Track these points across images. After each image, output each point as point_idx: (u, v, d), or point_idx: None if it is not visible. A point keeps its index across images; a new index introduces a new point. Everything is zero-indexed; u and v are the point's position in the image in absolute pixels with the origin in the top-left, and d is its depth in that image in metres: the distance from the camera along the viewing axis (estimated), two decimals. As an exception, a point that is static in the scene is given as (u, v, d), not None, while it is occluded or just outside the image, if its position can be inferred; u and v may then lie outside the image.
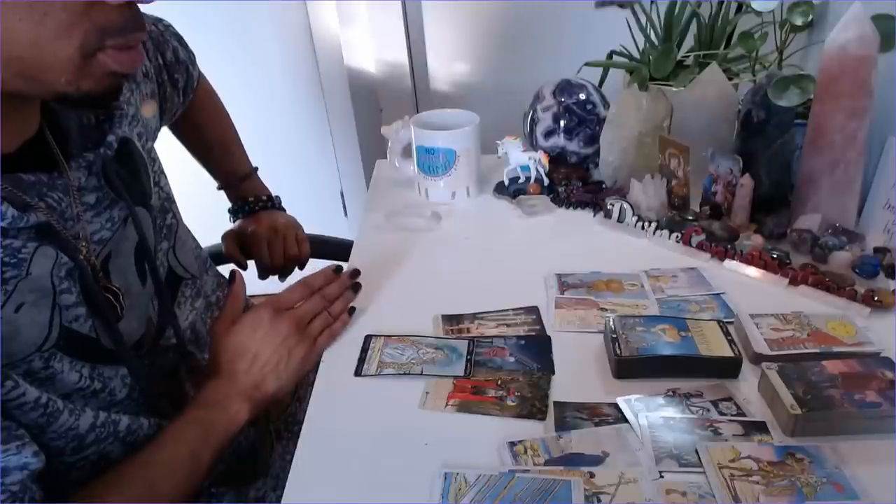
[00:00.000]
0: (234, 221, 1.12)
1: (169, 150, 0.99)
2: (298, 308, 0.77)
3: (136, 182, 0.70)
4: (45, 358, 0.58)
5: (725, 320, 0.75)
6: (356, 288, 0.83)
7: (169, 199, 0.82)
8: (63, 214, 0.61)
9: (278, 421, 0.89)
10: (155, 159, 0.79)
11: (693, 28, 1.08)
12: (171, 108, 0.92)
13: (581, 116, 1.10)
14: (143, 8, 0.54)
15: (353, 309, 0.82)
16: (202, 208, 1.12)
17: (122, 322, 0.66)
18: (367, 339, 0.78)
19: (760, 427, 0.63)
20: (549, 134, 1.12)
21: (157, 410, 0.71)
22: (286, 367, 0.72)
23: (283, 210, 1.14)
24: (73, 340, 0.60)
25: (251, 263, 1.11)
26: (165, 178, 0.82)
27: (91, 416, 0.61)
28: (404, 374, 0.72)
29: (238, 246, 1.10)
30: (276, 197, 1.14)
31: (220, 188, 1.13)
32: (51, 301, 0.58)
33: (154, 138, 0.84)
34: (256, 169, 1.14)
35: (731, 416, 0.64)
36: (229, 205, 1.13)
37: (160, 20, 0.91)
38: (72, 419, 0.58)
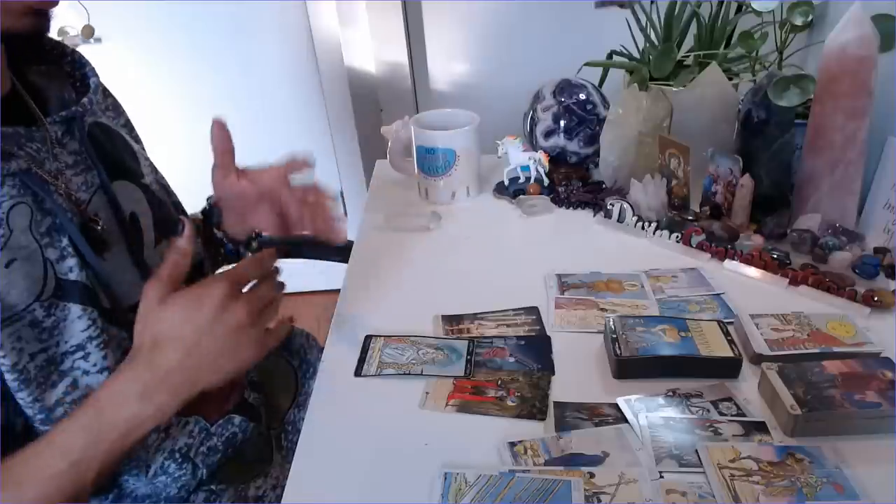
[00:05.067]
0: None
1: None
2: (256, 290, 0.63)
3: (116, 153, 0.72)
4: (46, 307, 0.59)
5: (725, 320, 0.75)
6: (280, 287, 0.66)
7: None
8: (42, 165, 0.62)
9: (278, 428, 0.88)
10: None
11: (693, 28, 1.08)
12: None
13: (581, 116, 1.10)
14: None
15: (292, 322, 0.67)
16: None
17: (117, 272, 0.67)
18: (367, 339, 0.78)
19: (760, 427, 0.63)
20: (549, 134, 1.12)
21: None
22: (228, 362, 0.59)
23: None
24: (76, 289, 0.62)
25: None
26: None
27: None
28: (404, 374, 0.72)
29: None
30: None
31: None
32: (41, 255, 0.60)
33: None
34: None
35: (731, 416, 0.64)
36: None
37: None
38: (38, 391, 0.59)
